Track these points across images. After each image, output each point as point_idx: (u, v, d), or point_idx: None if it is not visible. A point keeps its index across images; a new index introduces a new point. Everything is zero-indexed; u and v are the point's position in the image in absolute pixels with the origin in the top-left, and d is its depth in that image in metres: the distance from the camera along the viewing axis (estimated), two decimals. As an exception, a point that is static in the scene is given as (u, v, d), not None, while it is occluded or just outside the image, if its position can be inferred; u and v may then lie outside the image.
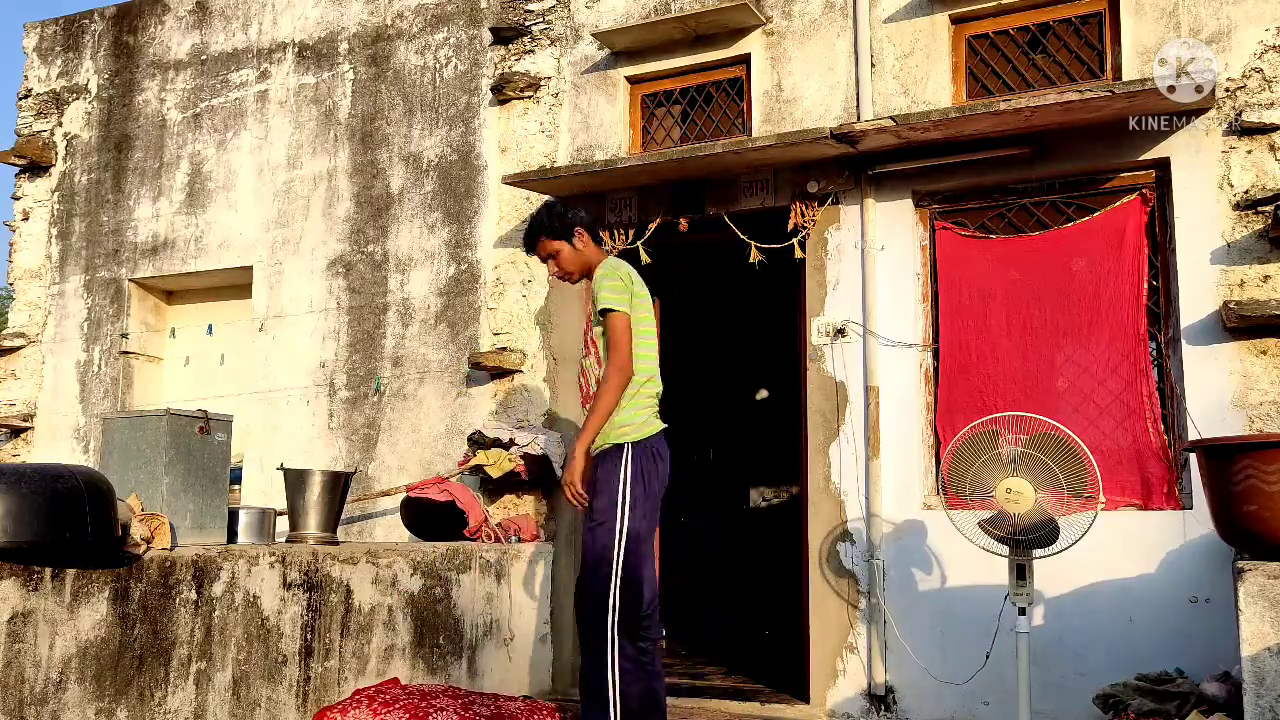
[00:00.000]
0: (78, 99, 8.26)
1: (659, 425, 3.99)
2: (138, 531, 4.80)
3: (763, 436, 9.05)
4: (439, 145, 6.88)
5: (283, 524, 5.92)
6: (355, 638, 4.63)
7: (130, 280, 7.84)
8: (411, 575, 4.93)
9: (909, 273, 5.52)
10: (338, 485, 5.76)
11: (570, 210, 4.19)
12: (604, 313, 3.89)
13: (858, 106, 5.67)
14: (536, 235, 4.15)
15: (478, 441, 6.20)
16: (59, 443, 7.81)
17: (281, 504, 5.89)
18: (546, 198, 6.38)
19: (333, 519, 5.70)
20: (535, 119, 6.56)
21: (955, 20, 5.59)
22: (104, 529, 4.55)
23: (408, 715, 4.16)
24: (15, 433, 7.98)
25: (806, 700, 5.47)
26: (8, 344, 8.07)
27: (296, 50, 7.49)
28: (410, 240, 6.86)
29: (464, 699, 4.48)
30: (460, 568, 5.24)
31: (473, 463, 6.14)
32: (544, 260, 4.18)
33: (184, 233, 7.68)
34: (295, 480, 5.66)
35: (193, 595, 4.66)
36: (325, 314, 7.07)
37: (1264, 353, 4.74)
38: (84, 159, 8.15)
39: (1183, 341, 4.89)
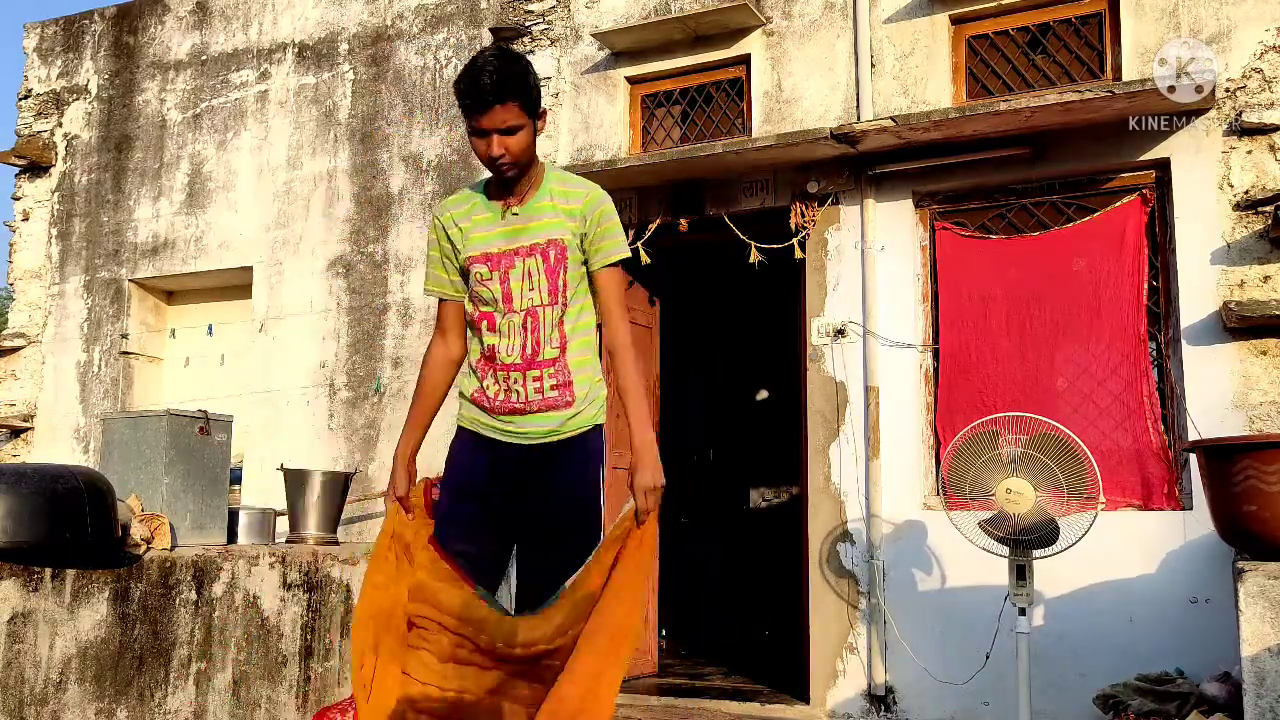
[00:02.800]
0: (78, 99, 8.25)
1: None
2: (138, 532, 4.81)
3: (763, 436, 9.05)
4: (439, 145, 6.88)
5: (283, 524, 5.93)
6: (355, 638, 4.63)
7: (130, 280, 7.84)
8: (411, 575, 4.92)
9: (909, 273, 5.52)
10: (338, 485, 5.76)
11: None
12: (615, 263, 2.78)
13: (858, 107, 5.67)
14: (508, 90, 2.59)
15: (478, 442, 6.18)
16: (59, 443, 7.81)
17: (281, 504, 5.89)
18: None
19: (333, 519, 5.70)
20: (535, 119, 6.55)
21: (955, 20, 5.59)
22: (104, 529, 4.55)
23: (408, 715, 4.15)
24: (15, 433, 7.98)
25: (806, 701, 5.47)
26: (8, 344, 8.07)
27: (296, 50, 7.49)
28: (410, 240, 6.86)
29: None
30: (460, 568, 5.23)
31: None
32: (489, 132, 2.61)
33: (184, 233, 7.68)
34: (295, 480, 5.66)
35: (193, 596, 4.66)
36: (325, 314, 7.07)
37: (1264, 353, 4.74)
38: (84, 159, 8.15)
39: (1183, 342, 4.89)
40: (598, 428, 2.83)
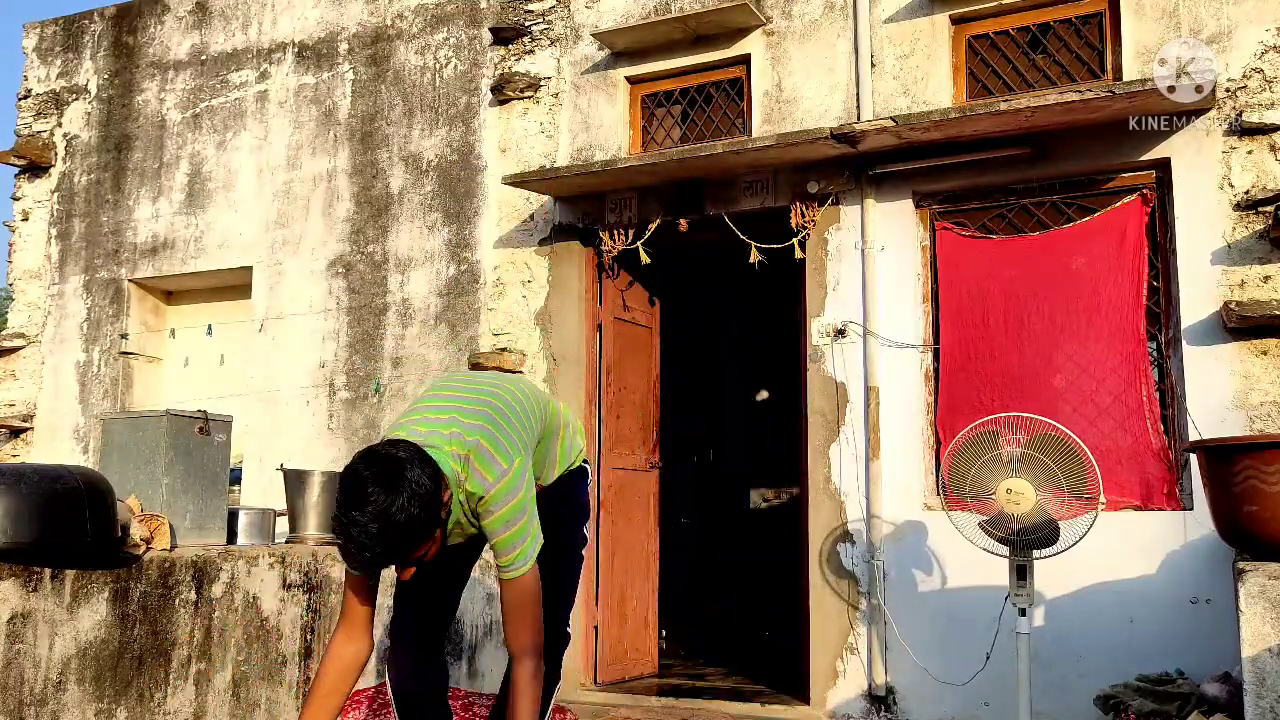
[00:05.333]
0: (77, 99, 8.25)
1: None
2: (137, 532, 4.80)
3: (763, 436, 9.05)
4: (439, 145, 6.88)
5: (283, 524, 5.92)
6: (355, 638, 4.62)
7: (130, 280, 7.84)
8: (411, 576, 4.93)
9: (909, 273, 5.52)
10: (337, 486, 5.75)
11: (431, 472, 2.69)
12: (510, 579, 2.79)
13: (858, 107, 5.67)
14: (415, 543, 2.64)
15: (478, 442, 6.19)
16: (58, 443, 7.80)
17: (281, 504, 5.89)
18: (544, 199, 6.38)
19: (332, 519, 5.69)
20: (535, 119, 6.56)
21: (955, 20, 5.59)
22: (104, 530, 4.55)
23: (407, 716, 4.14)
24: (15, 433, 7.98)
25: (807, 701, 5.47)
26: (7, 344, 8.06)
27: (296, 50, 7.48)
28: (410, 240, 6.86)
29: (464, 699, 4.47)
30: (460, 568, 5.23)
31: (473, 463, 6.13)
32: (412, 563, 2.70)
33: (183, 233, 7.68)
34: (295, 480, 5.65)
35: (192, 596, 4.66)
36: (325, 314, 7.07)
37: (1264, 353, 4.73)
38: (84, 159, 8.14)
39: (1183, 342, 4.89)
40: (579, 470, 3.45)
